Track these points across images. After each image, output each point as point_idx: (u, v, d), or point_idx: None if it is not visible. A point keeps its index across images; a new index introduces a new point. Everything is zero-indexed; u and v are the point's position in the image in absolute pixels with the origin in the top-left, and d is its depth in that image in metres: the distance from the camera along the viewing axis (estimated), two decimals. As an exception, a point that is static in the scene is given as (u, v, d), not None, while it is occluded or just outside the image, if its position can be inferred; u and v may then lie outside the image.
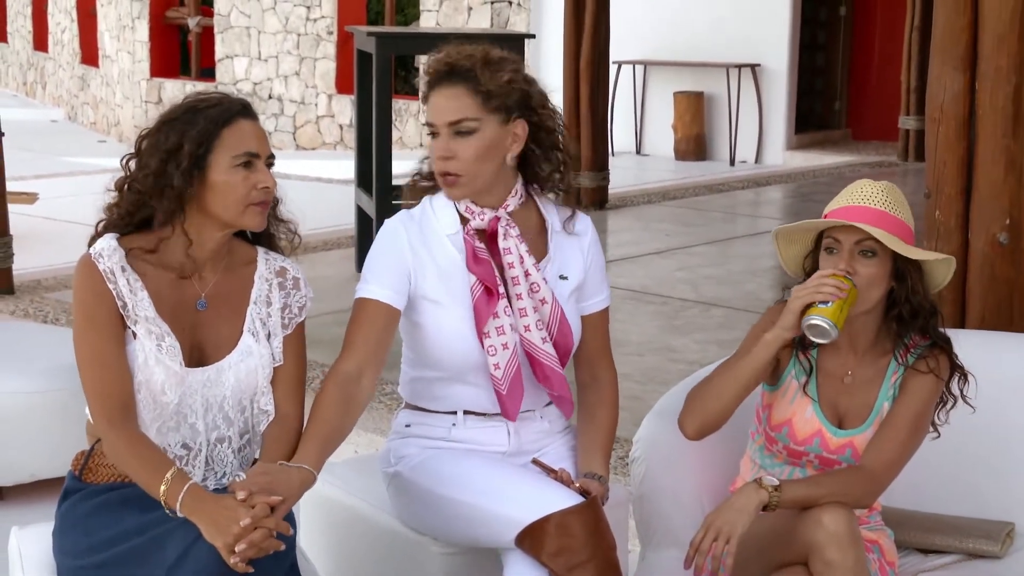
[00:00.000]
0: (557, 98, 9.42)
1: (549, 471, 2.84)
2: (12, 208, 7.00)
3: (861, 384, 2.82)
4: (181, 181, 2.63)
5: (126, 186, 2.71)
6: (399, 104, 13.83)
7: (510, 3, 13.55)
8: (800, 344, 2.84)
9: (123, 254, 2.67)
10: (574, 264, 2.97)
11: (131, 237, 2.71)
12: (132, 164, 2.72)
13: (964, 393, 2.83)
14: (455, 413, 2.95)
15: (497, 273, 2.87)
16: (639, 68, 12.95)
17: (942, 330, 2.81)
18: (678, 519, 3.00)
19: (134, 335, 2.66)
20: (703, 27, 12.53)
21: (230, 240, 2.77)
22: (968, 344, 2.92)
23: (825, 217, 2.78)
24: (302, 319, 2.83)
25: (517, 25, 13.37)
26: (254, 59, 15.72)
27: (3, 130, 6.69)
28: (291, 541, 2.58)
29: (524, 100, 2.84)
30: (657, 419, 3.09)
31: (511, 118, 2.83)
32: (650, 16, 12.68)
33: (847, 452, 2.79)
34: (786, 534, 2.65)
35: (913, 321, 2.78)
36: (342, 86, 14.74)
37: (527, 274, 2.87)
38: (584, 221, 3.01)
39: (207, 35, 16.85)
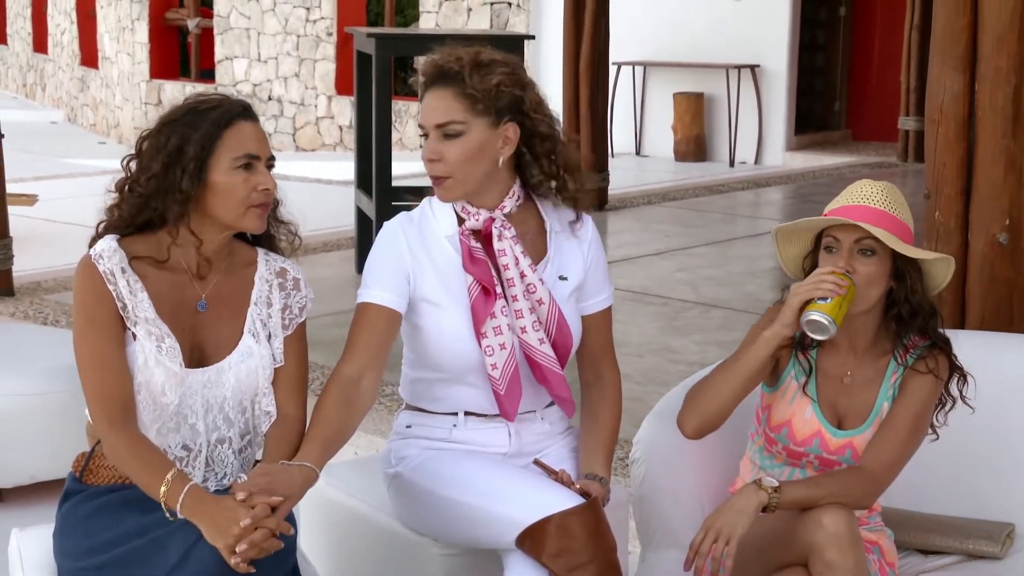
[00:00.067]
0: (556, 99, 9.47)
1: (550, 472, 2.84)
2: (12, 210, 7.00)
3: (860, 384, 2.82)
4: (189, 185, 2.64)
5: (127, 187, 2.72)
6: (399, 105, 13.83)
7: (510, 4, 13.55)
8: (799, 344, 2.84)
9: (123, 255, 2.67)
10: (574, 264, 2.97)
11: (131, 239, 2.71)
12: (133, 165, 2.72)
13: (963, 394, 2.83)
14: (456, 414, 2.95)
15: (494, 273, 2.87)
16: (639, 69, 12.95)
17: (941, 331, 2.81)
18: (678, 520, 3.00)
19: (134, 336, 2.66)
20: (703, 28, 12.53)
21: (230, 241, 2.77)
22: (968, 345, 2.92)
23: (825, 216, 2.78)
24: (303, 320, 2.84)
25: (517, 26, 13.37)
26: (254, 60, 15.72)
27: (3, 132, 6.70)
28: (292, 542, 2.58)
29: (515, 103, 2.84)
30: (657, 420, 3.09)
31: (501, 121, 2.83)
32: (650, 17, 12.68)
33: (847, 453, 2.79)
34: (786, 535, 2.65)
35: (912, 321, 2.78)
36: (342, 87, 14.74)
37: (523, 275, 2.87)
38: (585, 221, 3.01)
39: (207, 36, 16.86)
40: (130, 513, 2.62)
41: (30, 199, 8.55)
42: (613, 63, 10.74)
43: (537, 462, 2.89)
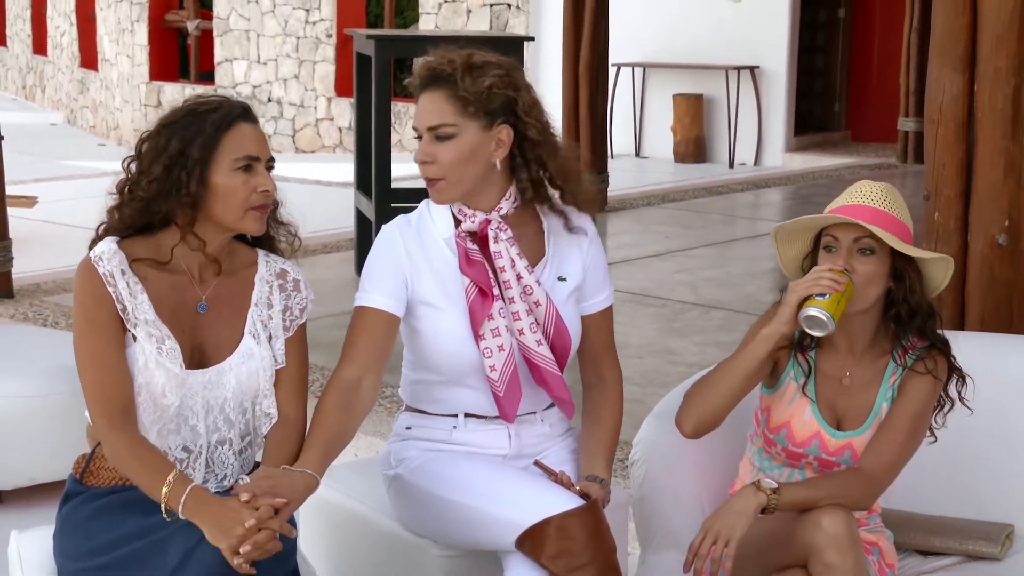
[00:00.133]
0: (556, 101, 9.48)
1: (550, 473, 2.84)
2: (11, 212, 7.00)
3: (859, 385, 2.82)
4: (197, 187, 2.64)
5: (127, 189, 2.72)
6: (398, 107, 13.83)
7: (509, 6, 13.56)
8: (798, 345, 2.84)
9: (123, 257, 2.68)
10: (573, 265, 2.97)
11: (131, 241, 2.72)
12: (133, 167, 2.72)
13: (962, 395, 2.83)
14: (456, 416, 2.95)
15: (492, 274, 2.87)
16: (638, 70, 12.96)
17: (940, 332, 2.81)
18: (678, 521, 3.00)
19: (134, 338, 2.66)
20: (702, 29, 12.54)
21: (230, 243, 2.77)
22: (967, 346, 2.92)
23: (824, 215, 2.78)
24: (303, 321, 2.84)
25: (516, 28, 13.37)
26: (253, 62, 15.73)
27: (2, 133, 6.70)
28: (292, 544, 2.58)
29: (509, 105, 2.84)
30: (657, 421, 3.10)
31: (495, 123, 2.83)
32: (649, 18, 12.68)
33: (846, 454, 2.79)
34: (785, 537, 2.65)
35: (911, 322, 2.78)
36: (341, 89, 14.74)
37: (519, 277, 2.87)
38: (583, 221, 3.01)
39: (206, 38, 16.87)
40: (131, 514, 2.62)
41: (30, 201, 8.55)
42: (612, 64, 10.74)
43: (537, 463, 2.89)
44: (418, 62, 2.88)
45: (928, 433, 2.83)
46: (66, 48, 20.00)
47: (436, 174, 2.84)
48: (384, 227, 2.95)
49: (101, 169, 12.25)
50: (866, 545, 2.77)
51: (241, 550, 2.44)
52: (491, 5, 13.67)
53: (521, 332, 2.87)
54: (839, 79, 13.71)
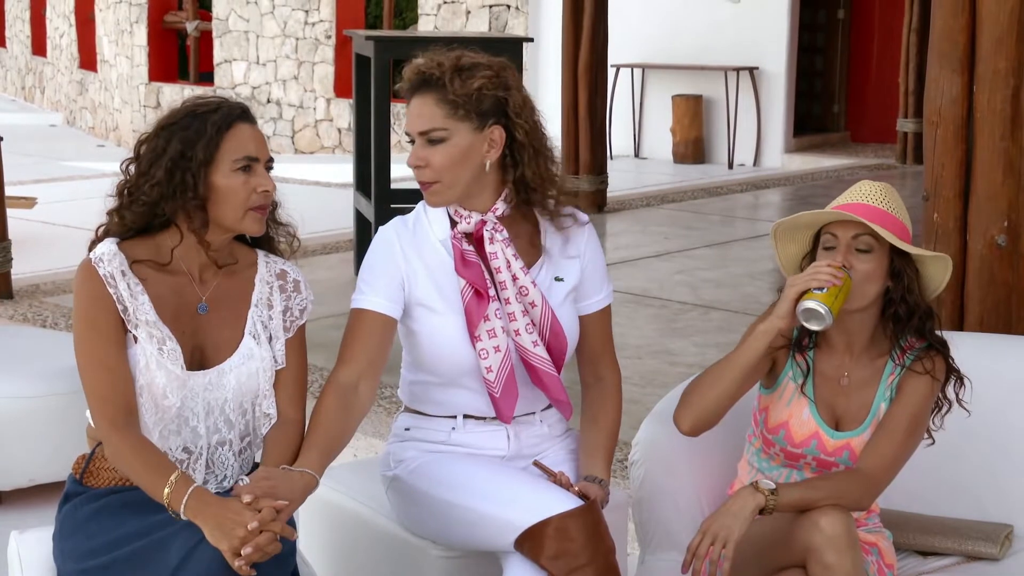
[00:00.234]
0: (555, 102, 9.48)
1: (549, 473, 2.84)
2: (11, 212, 7.00)
3: (858, 386, 2.83)
4: (204, 188, 2.65)
5: (126, 192, 2.72)
6: (397, 108, 13.82)
7: (508, 7, 13.56)
8: (797, 345, 2.84)
9: (123, 259, 2.68)
10: (570, 265, 2.97)
11: (131, 242, 2.72)
12: (132, 169, 2.72)
13: (960, 397, 2.83)
14: (454, 417, 2.95)
15: (488, 275, 2.87)
16: (637, 71, 12.96)
17: (939, 333, 2.82)
18: (677, 522, 3.01)
19: (135, 339, 2.66)
20: (701, 30, 12.54)
21: (230, 243, 2.78)
22: (966, 346, 2.92)
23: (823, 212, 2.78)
24: (303, 322, 2.84)
25: (515, 29, 13.37)
26: (252, 63, 15.73)
27: (2, 135, 6.70)
28: (292, 545, 2.58)
29: (499, 106, 2.83)
30: (656, 422, 3.10)
31: (486, 124, 2.82)
32: (648, 19, 12.69)
33: (844, 454, 2.80)
34: (783, 537, 2.65)
35: (909, 321, 2.78)
36: (340, 90, 14.75)
37: (515, 278, 2.87)
38: (581, 220, 3.00)
39: (205, 39, 16.86)
40: (131, 515, 2.62)
41: (29, 202, 8.55)
42: (612, 65, 10.74)
43: (537, 463, 2.89)
44: (407, 66, 2.88)
45: (926, 435, 2.83)
46: (65, 49, 19.99)
47: (430, 177, 2.84)
48: (381, 228, 2.95)
49: (100, 170, 12.26)
50: (865, 545, 2.78)
51: (242, 552, 2.44)
52: (490, 6, 13.67)
53: (517, 333, 2.87)
54: (838, 80, 13.72)
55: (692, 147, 12.59)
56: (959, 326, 4.09)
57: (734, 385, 2.77)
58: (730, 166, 12.45)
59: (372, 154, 6.92)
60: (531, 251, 2.94)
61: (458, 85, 2.80)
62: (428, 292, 2.88)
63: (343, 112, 14.77)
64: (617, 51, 10.78)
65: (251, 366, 2.75)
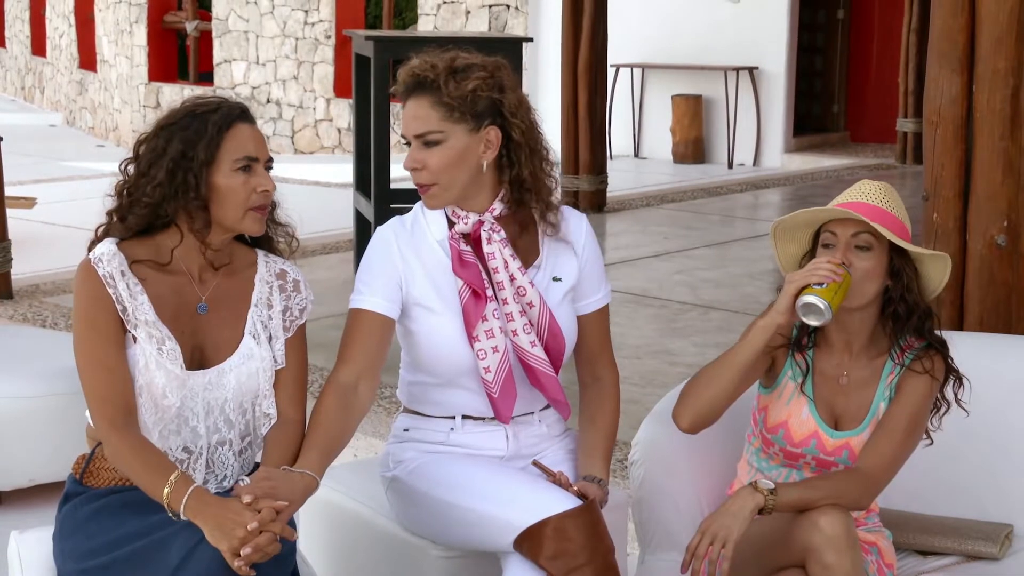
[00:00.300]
0: (555, 102, 9.47)
1: (548, 473, 2.84)
2: (11, 213, 7.00)
3: (857, 385, 2.83)
4: (205, 188, 2.65)
5: (126, 192, 2.71)
6: (397, 108, 13.82)
7: (508, 7, 13.56)
8: (796, 344, 2.84)
9: (123, 259, 2.68)
10: (568, 265, 2.97)
11: (131, 242, 2.72)
12: (131, 169, 2.72)
13: (958, 397, 2.83)
14: (453, 418, 2.95)
15: (485, 276, 2.87)
16: (637, 71, 12.96)
17: (938, 332, 2.82)
18: (677, 522, 3.01)
19: (134, 339, 2.67)
20: (701, 30, 12.54)
21: (230, 243, 2.78)
22: (966, 346, 2.92)
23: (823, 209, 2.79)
24: (303, 322, 2.84)
25: (515, 29, 13.37)
26: (252, 63, 15.73)
27: (1, 135, 6.70)
28: (292, 545, 2.59)
29: (495, 107, 2.83)
30: (656, 422, 3.10)
31: (482, 125, 2.82)
32: (648, 19, 12.69)
33: (843, 454, 2.80)
34: (783, 537, 2.65)
35: (908, 321, 2.78)
36: (340, 90, 14.75)
37: (513, 278, 2.87)
38: (578, 220, 3.00)
39: (205, 39, 16.86)
40: (131, 515, 2.62)
41: (29, 202, 8.55)
42: (611, 65, 10.74)
43: (536, 463, 2.89)
44: (401, 67, 2.87)
45: (924, 436, 2.83)
46: (65, 49, 19.99)
47: (427, 180, 2.83)
48: (379, 229, 2.95)
49: (100, 170, 12.25)
50: (865, 545, 2.78)
51: (242, 552, 2.44)
52: (490, 6, 13.68)
53: (515, 333, 2.87)
54: (838, 80, 13.72)
55: (692, 147, 12.59)
56: (959, 326, 4.09)
57: (733, 382, 2.76)
58: (730, 166, 12.45)
59: (372, 154, 6.92)
60: (529, 251, 2.93)
61: (453, 87, 2.79)
62: (426, 292, 2.88)
63: (343, 112, 14.77)
64: (617, 51, 10.78)
65: (251, 366, 2.75)
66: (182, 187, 2.65)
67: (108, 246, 2.69)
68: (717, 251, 8.34)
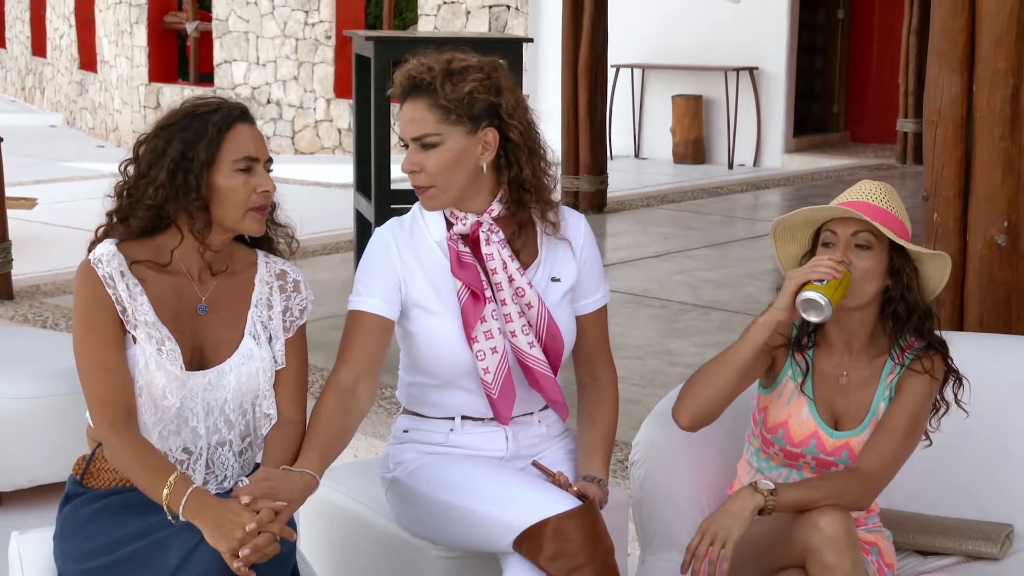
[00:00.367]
0: (555, 102, 9.46)
1: (548, 474, 2.84)
2: (11, 213, 7.00)
3: (857, 385, 2.83)
4: (208, 189, 2.65)
5: (125, 193, 2.72)
6: (397, 108, 13.81)
7: (508, 7, 13.56)
8: (796, 344, 2.84)
9: (122, 259, 2.68)
10: (566, 265, 2.96)
11: (131, 243, 2.72)
12: (131, 170, 2.72)
13: (958, 397, 2.83)
14: (452, 419, 2.95)
15: (484, 277, 2.87)
16: (637, 72, 12.96)
17: (938, 333, 2.82)
18: (677, 522, 3.01)
19: (134, 340, 2.67)
20: (701, 30, 12.54)
21: (230, 244, 2.78)
22: (966, 346, 2.92)
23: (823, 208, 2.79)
24: (303, 322, 2.84)
25: (515, 29, 13.38)
26: (252, 64, 15.73)
27: (2, 135, 6.70)
28: (291, 546, 2.58)
29: (492, 108, 2.82)
30: (656, 422, 3.10)
31: (479, 127, 2.81)
32: (648, 19, 12.69)
33: (843, 454, 2.80)
34: (783, 537, 2.65)
35: (908, 320, 2.78)
36: (340, 90, 14.75)
37: (511, 279, 2.87)
38: (577, 220, 3.00)
39: (205, 40, 16.87)
40: (131, 516, 2.62)
41: (29, 203, 8.55)
42: (612, 66, 10.74)
43: (535, 464, 2.89)
44: (398, 69, 2.87)
45: (923, 437, 2.83)
46: (65, 50, 20.00)
47: (425, 182, 2.83)
48: (377, 230, 2.95)
49: (100, 171, 12.26)
50: (865, 545, 2.78)
51: (240, 553, 2.44)
52: (490, 7, 13.68)
53: (513, 334, 2.87)
54: (838, 80, 13.72)
55: (692, 147, 12.59)
56: (959, 326, 4.09)
57: (733, 380, 2.76)
58: (730, 166, 12.45)
59: (372, 154, 6.92)
60: (527, 252, 2.93)
61: (449, 89, 2.79)
62: (424, 293, 2.88)
63: (343, 112, 14.77)
64: (617, 51, 10.78)
65: (251, 366, 2.75)
66: (183, 188, 2.65)
67: (108, 247, 2.69)
68: (717, 251, 8.34)
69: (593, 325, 3.02)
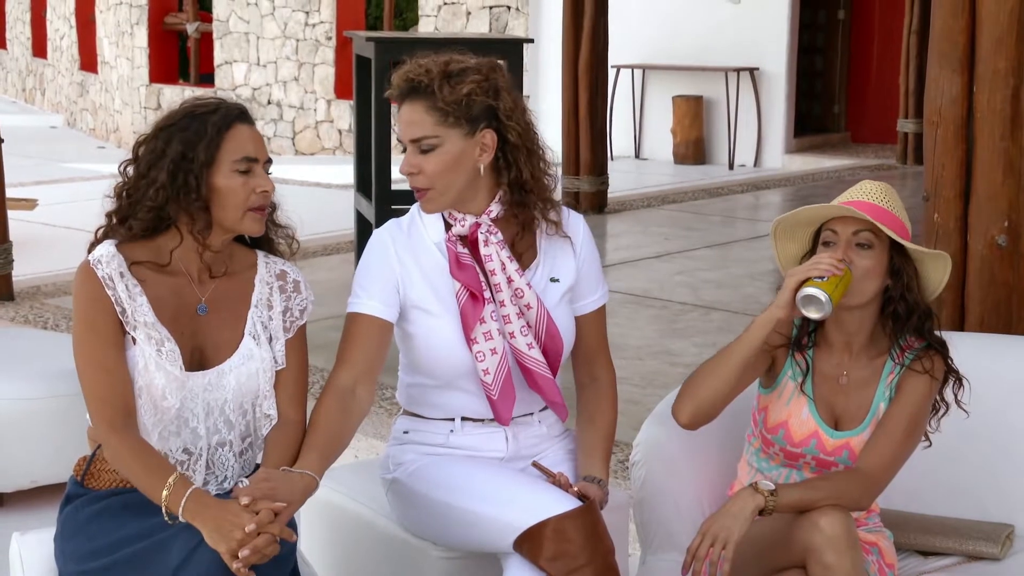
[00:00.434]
0: (556, 102, 9.46)
1: (548, 474, 2.84)
2: (11, 214, 7.00)
3: (857, 385, 2.83)
4: (207, 190, 2.65)
5: (124, 193, 2.72)
6: (397, 109, 13.81)
7: (508, 8, 13.56)
8: (796, 344, 2.84)
9: (122, 260, 2.68)
10: (565, 266, 2.96)
11: (131, 243, 2.71)
12: (130, 170, 2.72)
13: (958, 398, 2.83)
14: (452, 420, 2.95)
15: (483, 278, 2.87)
16: (638, 72, 12.96)
17: (938, 333, 2.82)
18: (678, 523, 3.01)
19: (134, 340, 2.67)
20: (702, 31, 12.54)
21: (230, 244, 2.78)
22: (967, 347, 2.92)
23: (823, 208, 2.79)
24: (303, 322, 2.84)
25: (516, 30, 13.38)
26: (253, 64, 15.73)
27: (2, 136, 6.70)
28: (291, 546, 2.58)
29: (490, 110, 2.82)
30: (657, 423, 3.10)
31: (477, 129, 2.81)
32: (649, 20, 12.69)
33: (843, 454, 2.80)
34: (783, 538, 2.65)
35: (908, 320, 2.78)
36: (341, 91, 14.75)
37: (510, 280, 2.87)
38: (575, 220, 3.00)
39: (206, 41, 16.87)
40: (132, 516, 2.62)
41: (30, 203, 8.55)
42: (612, 66, 10.74)
43: (535, 464, 2.90)
44: (396, 71, 2.87)
45: (923, 438, 2.83)
46: (66, 51, 20.00)
47: (423, 184, 2.83)
48: (376, 232, 2.95)
49: (100, 172, 12.26)
50: (865, 545, 2.78)
51: (240, 554, 2.44)
52: (491, 7, 13.68)
53: (512, 335, 2.87)
54: (839, 80, 13.72)
55: (692, 148, 12.59)
56: (959, 326, 4.09)
57: (733, 377, 2.76)
58: (731, 167, 12.45)
59: (373, 155, 6.92)
60: (526, 252, 2.93)
61: (447, 92, 2.78)
62: (423, 295, 2.88)
63: (344, 113, 14.77)
64: (617, 52, 10.78)
65: (251, 367, 2.75)
66: (183, 189, 2.65)
67: (107, 248, 2.69)
68: (718, 252, 8.34)
69: (592, 325, 3.02)
